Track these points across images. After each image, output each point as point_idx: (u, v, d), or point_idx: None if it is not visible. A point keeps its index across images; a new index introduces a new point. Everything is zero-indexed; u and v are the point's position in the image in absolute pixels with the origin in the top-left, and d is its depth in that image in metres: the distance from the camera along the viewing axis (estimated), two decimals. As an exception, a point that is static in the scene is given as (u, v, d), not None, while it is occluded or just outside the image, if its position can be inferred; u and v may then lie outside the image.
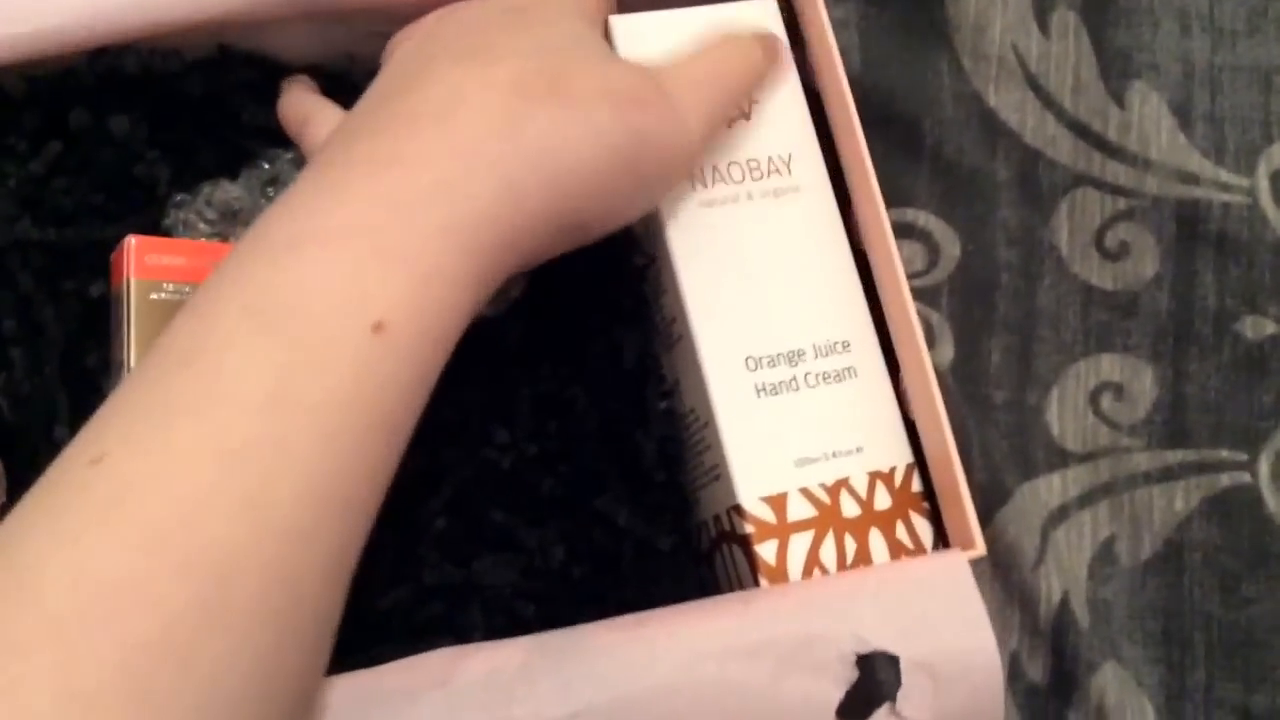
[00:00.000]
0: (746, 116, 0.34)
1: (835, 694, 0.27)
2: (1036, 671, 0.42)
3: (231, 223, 0.35)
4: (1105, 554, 0.43)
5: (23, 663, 0.19)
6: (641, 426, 0.34)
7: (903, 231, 0.46)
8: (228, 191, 0.35)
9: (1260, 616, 0.43)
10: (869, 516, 0.32)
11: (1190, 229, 0.45)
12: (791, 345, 0.33)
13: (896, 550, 0.32)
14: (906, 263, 0.45)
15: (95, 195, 0.35)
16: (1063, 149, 0.46)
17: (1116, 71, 0.46)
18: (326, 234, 0.24)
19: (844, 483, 0.32)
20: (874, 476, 0.32)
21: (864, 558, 0.31)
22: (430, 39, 0.30)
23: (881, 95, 0.46)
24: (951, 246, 0.45)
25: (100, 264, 0.34)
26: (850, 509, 0.32)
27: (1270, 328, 0.45)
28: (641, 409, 0.34)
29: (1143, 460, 0.44)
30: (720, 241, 0.33)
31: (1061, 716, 0.41)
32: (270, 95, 0.35)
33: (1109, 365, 0.45)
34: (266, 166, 0.36)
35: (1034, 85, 0.47)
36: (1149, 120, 0.46)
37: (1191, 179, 0.46)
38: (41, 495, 0.21)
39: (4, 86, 0.35)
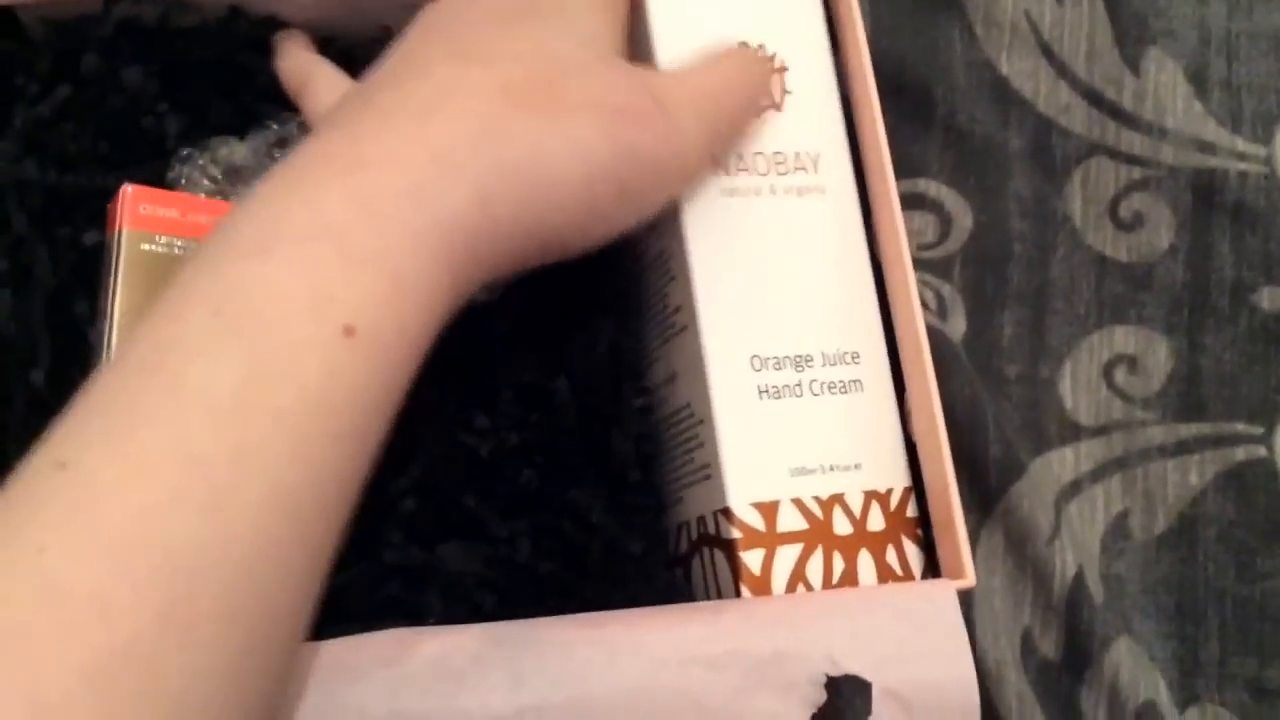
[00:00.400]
0: (778, 107, 0.33)
1: (801, 715, 0.26)
2: (1049, 647, 0.41)
3: (234, 181, 0.35)
4: (1119, 528, 0.43)
5: None
6: (618, 424, 0.33)
7: (914, 202, 0.45)
8: (234, 150, 0.35)
9: (1274, 591, 0.42)
10: (860, 536, 0.31)
11: (1206, 199, 0.44)
12: (800, 349, 0.31)
13: (885, 574, 0.31)
14: (918, 234, 0.45)
15: (101, 143, 0.35)
16: (1076, 118, 0.45)
17: (1132, 38, 0.46)
18: (296, 234, 0.24)
19: (839, 499, 0.31)
20: (870, 496, 0.31)
21: (850, 578, 0.30)
22: (434, 28, 0.29)
23: (892, 63, 0.45)
24: (964, 217, 0.45)
25: (98, 212, 0.34)
26: (842, 526, 0.31)
27: (1287, 299, 0.44)
28: (619, 405, 0.33)
29: (1157, 434, 0.43)
30: (738, 233, 0.32)
31: (1074, 691, 0.41)
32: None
33: (1123, 337, 0.44)
34: (275, 128, 0.35)
35: (1047, 52, 0.46)
36: (1164, 88, 0.45)
37: (1208, 148, 0.45)
38: (8, 499, 0.21)
39: (24, 27, 0.35)
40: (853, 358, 0.32)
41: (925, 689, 0.27)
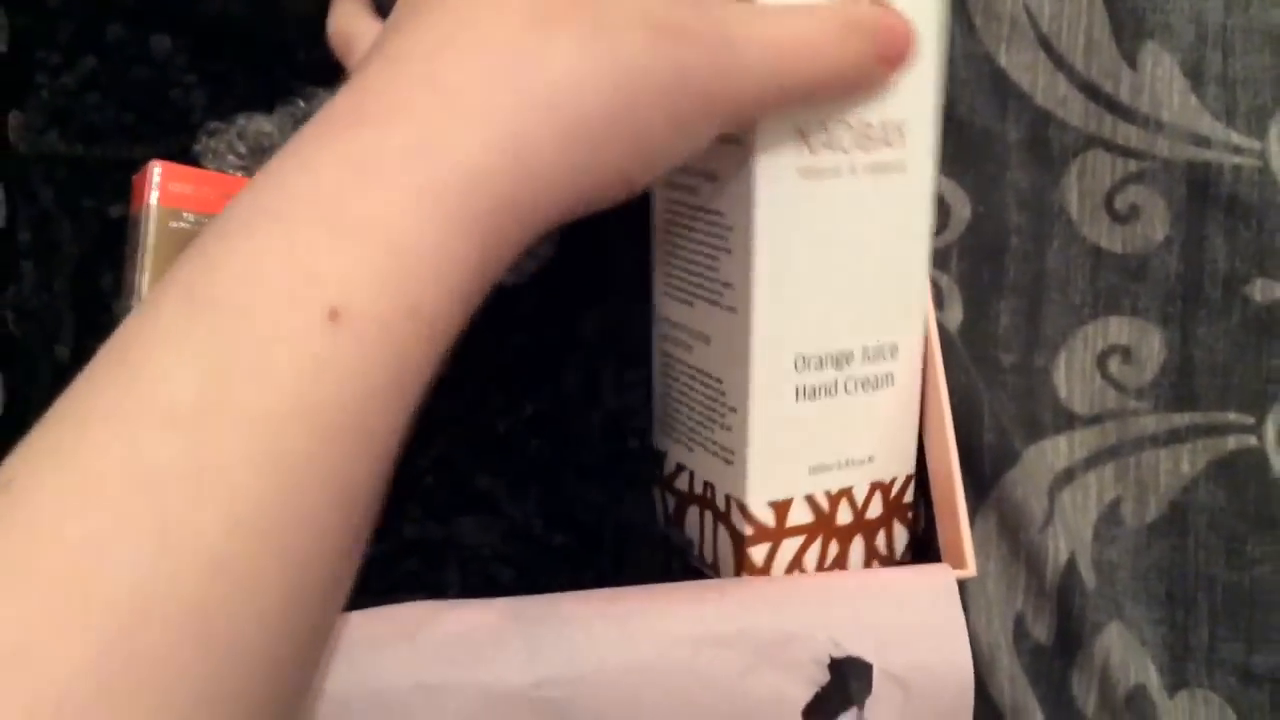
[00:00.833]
0: (882, 88, 0.29)
1: (804, 694, 0.27)
2: (1041, 632, 0.42)
3: (260, 157, 0.34)
4: (1111, 515, 0.43)
5: None
6: (617, 393, 0.33)
7: (912, 193, 0.45)
8: (260, 125, 0.34)
9: (1263, 578, 0.43)
10: (858, 524, 0.31)
11: (1201, 192, 0.45)
12: (843, 345, 0.30)
13: (871, 555, 0.31)
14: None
15: (126, 115, 0.34)
16: (1074, 110, 0.46)
17: (1129, 32, 0.46)
18: (282, 208, 0.21)
19: (847, 492, 0.31)
20: (875, 486, 0.31)
21: (841, 561, 0.31)
22: None
23: (892, 55, 0.45)
24: (962, 208, 0.45)
25: (123, 185, 0.33)
26: (845, 517, 0.31)
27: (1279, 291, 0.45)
28: (620, 377, 0.33)
29: (1150, 423, 0.44)
30: (810, 220, 0.28)
31: (1065, 676, 0.42)
32: (315, 32, 0.33)
33: (1117, 328, 0.45)
34: (302, 104, 0.35)
35: (1045, 45, 0.46)
36: (1161, 82, 0.46)
37: (1203, 141, 0.45)
38: None
39: None
40: (891, 351, 0.31)
41: (924, 673, 0.27)
